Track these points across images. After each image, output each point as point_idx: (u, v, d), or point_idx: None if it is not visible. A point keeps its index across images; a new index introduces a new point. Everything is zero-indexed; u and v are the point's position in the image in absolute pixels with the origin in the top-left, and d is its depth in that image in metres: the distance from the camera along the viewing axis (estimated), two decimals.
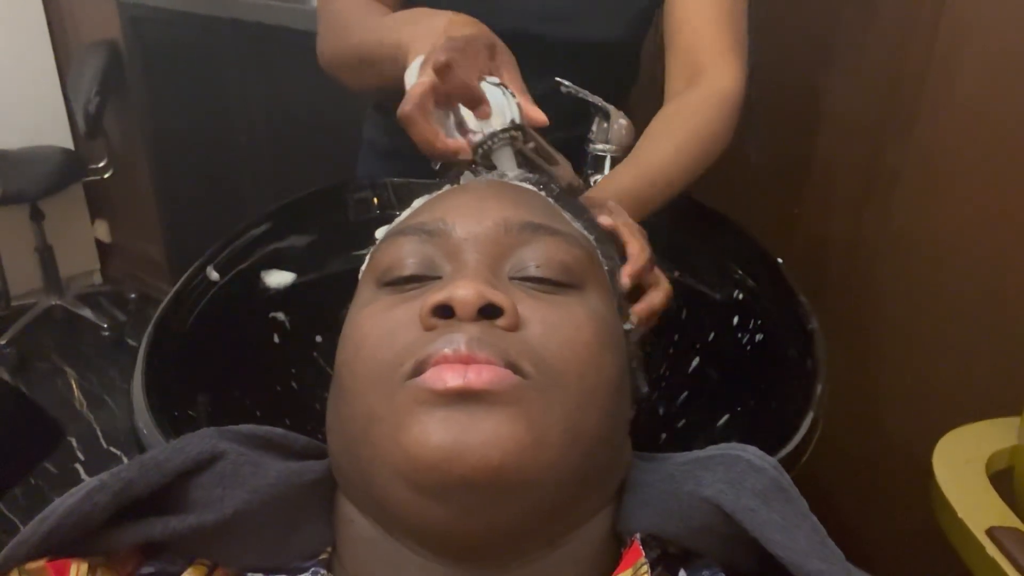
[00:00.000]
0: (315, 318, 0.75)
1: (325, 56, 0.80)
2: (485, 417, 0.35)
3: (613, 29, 0.84)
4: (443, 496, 0.35)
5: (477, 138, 0.57)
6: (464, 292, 0.38)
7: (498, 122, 0.57)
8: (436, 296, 0.39)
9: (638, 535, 0.40)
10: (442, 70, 0.54)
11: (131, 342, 2.50)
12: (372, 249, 0.50)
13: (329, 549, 0.42)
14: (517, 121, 0.58)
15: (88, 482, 0.37)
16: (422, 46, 0.60)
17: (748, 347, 0.71)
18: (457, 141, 0.57)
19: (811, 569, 0.35)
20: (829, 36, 1.19)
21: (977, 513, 0.75)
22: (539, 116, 0.59)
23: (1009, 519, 0.74)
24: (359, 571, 0.40)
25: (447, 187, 0.54)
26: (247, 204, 1.96)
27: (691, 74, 0.79)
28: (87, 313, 2.53)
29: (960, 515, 0.75)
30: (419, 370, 0.37)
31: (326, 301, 0.67)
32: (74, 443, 2.02)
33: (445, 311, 0.39)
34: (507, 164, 0.59)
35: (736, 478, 0.40)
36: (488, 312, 0.38)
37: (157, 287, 2.69)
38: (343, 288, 0.51)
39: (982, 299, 1.11)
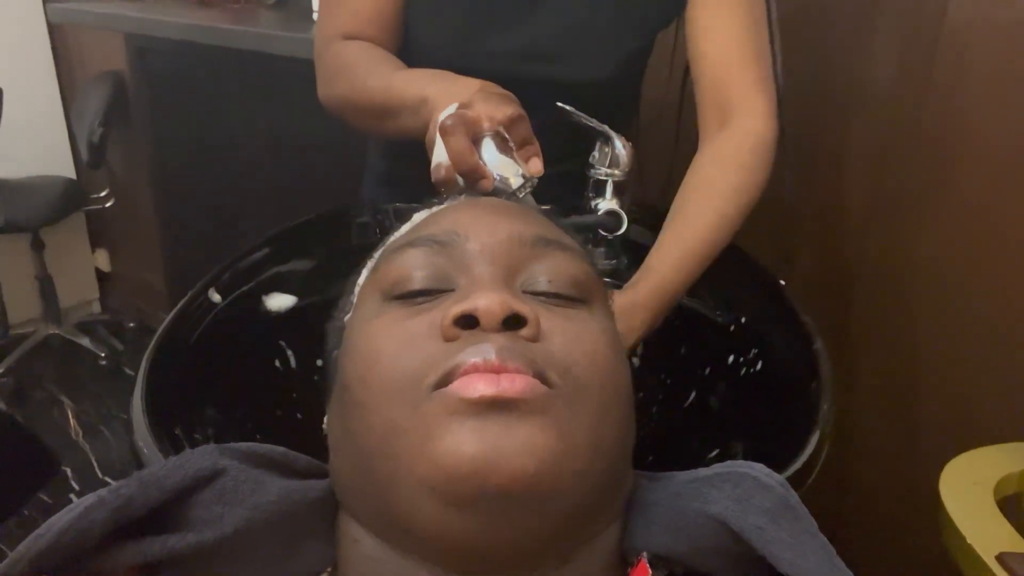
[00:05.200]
0: (316, 342, 0.74)
1: (331, 98, 0.82)
2: (518, 426, 0.35)
3: (602, 70, 0.84)
4: (474, 508, 0.34)
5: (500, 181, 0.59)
6: (488, 302, 0.38)
7: (513, 176, 0.59)
8: (460, 306, 0.38)
9: (645, 554, 0.40)
10: (511, 121, 0.59)
11: (129, 371, 2.49)
12: (374, 261, 0.49)
13: (329, 569, 0.41)
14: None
15: (86, 498, 0.37)
16: (450, 102, 0.62)
17: (750, 375, 0.71)
18: (485, 167, 0.58)
19: None
20: (827, 72, 1.20)
21: (986, 538, 0.74)
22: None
23: (1019, 544, 0.73)
24: None
25: (450, 201, 0.54)
26: (249, 234, 1.96)
27: (721, 112, 0.79)
28: (85, 342, 2.52)
29: (969, 540, 0.74)
30: (447, 380, 0.36)
31: (327, 325, 0.67)
32: (69, 473, 2.00)
33: (468, 321, 0.38)
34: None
35: (743, 495, 0.39)
36: (511, 323, 0.38)
37: (156, 316, 2.68)
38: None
39: (988, 323, 1.11)
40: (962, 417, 1.15)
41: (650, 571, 0.39)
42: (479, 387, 0.35)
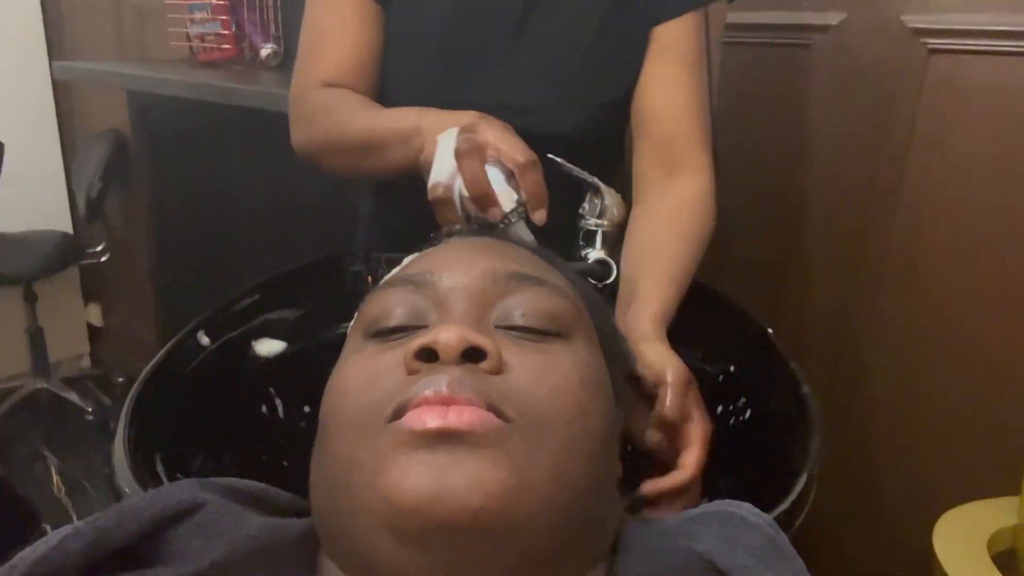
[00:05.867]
0: (304, 389, 0.74)
1: (309, 142, 0.85)
2: (466, 459, 0.34)
3: (574, 123, 0.84)
4: (425, 543, 0.34)
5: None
6: (447, 335, 0.38)
7: (508, 202, 0.61)
8: (420, 340, 0.39)
9: None
10: (518, 153, 0.60)
11: (115, 427, 2.45)
12: (361, 303, 0.50)
13: None
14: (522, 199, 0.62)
15: (61, 530, 0.36)
16: (445, 128, 0.65)
17: (739, 424, 0.70)
18: (496, 194, 0.59)
19: None
20: (809, 134, 1.23)
21: None
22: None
23: None
24: None
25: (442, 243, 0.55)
26: None
27: (667, 164, 0.81)
28: (73, 397, 2.49)
29: None
30: (400, 412, 0.36)
31: (315, 372, 0.66)
32: (49, 530, 1.94)
33: (428, 355, 0.39)
34: (524, 235, 0.63)
35: (731, 534, 0.39)
36: (471, 355, 0.38)
37: None
38: (333, 360, 0.50)
39: (977, 377, 1.11)
40: (953, 470, 1.13)
41: None
42: (426, 419, 0.35)
